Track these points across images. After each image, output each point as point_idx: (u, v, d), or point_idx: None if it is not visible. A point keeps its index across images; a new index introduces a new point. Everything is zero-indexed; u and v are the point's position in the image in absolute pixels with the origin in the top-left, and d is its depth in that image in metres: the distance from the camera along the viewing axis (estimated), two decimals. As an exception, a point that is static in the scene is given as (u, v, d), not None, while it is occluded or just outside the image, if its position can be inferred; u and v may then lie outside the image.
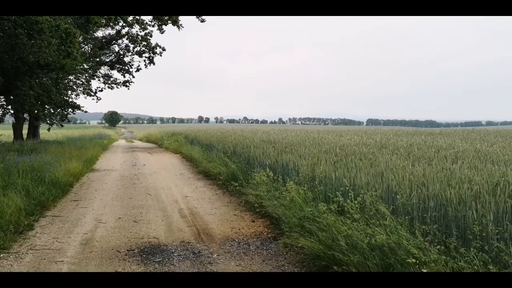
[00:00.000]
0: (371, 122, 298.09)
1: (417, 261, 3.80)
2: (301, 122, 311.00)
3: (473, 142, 12.19)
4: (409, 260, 3.81)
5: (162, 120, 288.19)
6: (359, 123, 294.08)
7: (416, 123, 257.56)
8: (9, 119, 26.21)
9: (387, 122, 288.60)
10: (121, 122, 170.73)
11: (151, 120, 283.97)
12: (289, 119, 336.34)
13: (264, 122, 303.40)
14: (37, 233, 6.65)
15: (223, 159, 12.93)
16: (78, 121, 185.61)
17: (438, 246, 3.99)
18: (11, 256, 5.52)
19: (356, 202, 5.51)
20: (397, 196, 5.37)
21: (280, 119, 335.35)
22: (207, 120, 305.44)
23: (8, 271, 5.05)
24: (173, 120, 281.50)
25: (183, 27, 21.36)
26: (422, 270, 3.66)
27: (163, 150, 26.01)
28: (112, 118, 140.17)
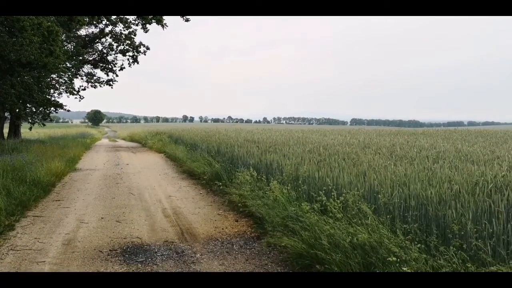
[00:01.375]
0: (355, 122, 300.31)
1: (398, 259, 3.85)
2: (286, 122, 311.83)
3: (455, 142, 12.39)
4: (390, 259, 3.86)
5: (146, 119, 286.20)
6: (343, 122, 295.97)
7: (399, 123, 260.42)
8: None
9: (371, 122, 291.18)
10: (104, 121, 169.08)
11: (135, 119, 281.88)
12: (274, 118, 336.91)
13: (248, 121, 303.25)
14: (18, 233, 6.56)
15: (207, 158, 12.91)
16: (61, 120, 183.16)
17: (419, 245, 4.06)
18: (-10, 257, 5.44)
19: (338, 201, 5.56)
20: (379, 196, 5.43)
21: (264, 119, 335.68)
22: (191, 119, 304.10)
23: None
24: (157, 119, 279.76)
25: (167, 26, 21.27)
26: (403, 268, 3.72)
27: (147, 149, 25.84)
28: (95, 117, 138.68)
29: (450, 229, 4.20)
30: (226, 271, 5.18)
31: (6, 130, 24.37)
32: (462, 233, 4.09)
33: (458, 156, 8.34)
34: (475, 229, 4.06)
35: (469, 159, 7.80)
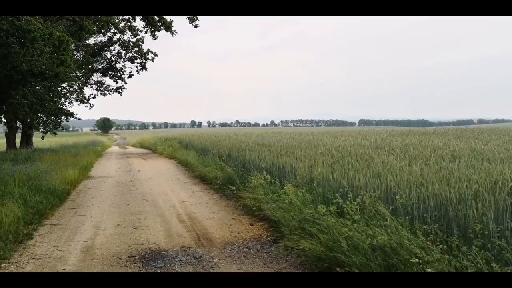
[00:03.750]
0: (363, 122, 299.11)
1: (420, 260, 3.84)
2: (294, 124, 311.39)
3: (468, 141, 12.30)
4: (412, 260, 3.85)
5: (154, 125, 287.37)
6: (352, 124, 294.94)
7: (408, 123, 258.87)
8: (1, 128, 26.04)
9: (379, 122, 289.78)
10: (114, 128, 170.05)
11: (144, 126, 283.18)
12: (281, 121, 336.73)
13: (256, 125, 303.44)
14: (37, 242, 6.62)
15: (219, 163, 12.93)
16: (71, 128, 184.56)
17: (441, 246, 4.03)
18: (12, 266, 5.49)
19: (355, 203, 5.55)
20: (397, 197, 5.41)
21: (272, 122, 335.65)
22: (199, 124, 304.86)
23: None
24: (166, 125, 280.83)
25: (176, 32, 21.36)
26: (426, 269, 3.69)
27: (157, 155, 25.95)
28: (105, 125, 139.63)
29: (471, 229, 4.17)
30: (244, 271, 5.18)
31: (18, 140, 24.62)
32: (486, 232, 4.06)
33: (473, 155, 8.28)
34: (497, 229, 4.04)
35: (485, 158, 7.74)
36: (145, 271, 5.15)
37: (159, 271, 5.13)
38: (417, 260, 3.84)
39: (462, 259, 3.77)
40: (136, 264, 5.54)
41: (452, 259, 3.81)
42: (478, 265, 3.62)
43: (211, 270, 5.32)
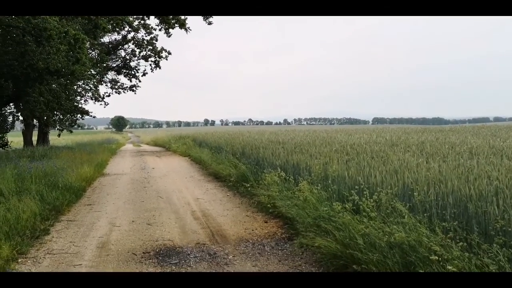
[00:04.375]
0: (377, 121, 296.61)
1: (440, 258, 3.76)
2: (307, 123, 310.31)
3: (485, 138, 12.10)
4: (431, 257, 3.77)
5: (168, 124, 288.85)
6: (365, 122, 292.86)
7: (423, 121, 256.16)
8: (18, 126, 26.41)
9: (393, 121, 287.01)
10: (128, 126, 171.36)
11: (157, 124, 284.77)
12: (295, 119, 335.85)
13: (269, 123, 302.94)
14: (53, 237, 6.68)
15: (233, 160, 12.92)
16: (86, 127, 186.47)
17: (460, 243, 3.95)
18: (29, 261, 5.55)
19: (371, 200, 5.48)
20: (414, 194, 5.33)
21: (285, 120, 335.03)
22: (212, 122, 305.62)
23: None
24: (179, 123, 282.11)
25: (190, 29, 21.39)
26: (447, 267, 3.62)
27: (171, 153, 26.06)
28: (119, 123, 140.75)
29: (492, 226, 4.09)
30: (257, 271, 5.15)
31: (34, 138, 24.94)
32: (509, 229, 3.96)
33: (492, 151, 8.13)
34: (520, 226, 3.95)
35: (505, 155, 7.60)
36: (145, 271, 5.13)
37: (158, 271, 5.09)
38: (436, 257, 3.77)
39: (483, 257, 3.69)
40: (151, 260, 5.55)
41: (472, 257, 3.73)
42: (500, 263, 3.54)
43: (226, 267, 5.30)
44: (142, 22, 25.12)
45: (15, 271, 5.10)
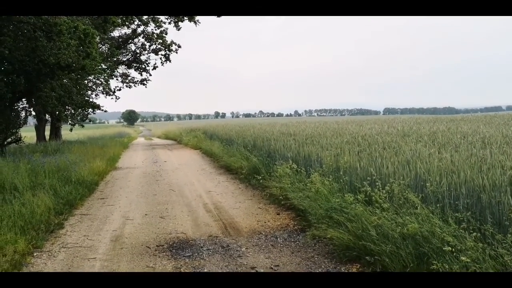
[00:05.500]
0: (388, 111, 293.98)
1: (453, 249, 3.74)
2: (317, 114, 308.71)
3: (498, 127, 11.94)
4: (445, 248, 3.75)
5: (179, 117, 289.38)
6: (376, 112, 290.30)
7: (434, 111, 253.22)
8: (31, 121, 26.66)
9: (405, 111, 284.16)
10: (139, 120, 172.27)
11: (168, 117, 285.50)
12: (305, 111, 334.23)
13: (280, 115, 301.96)
14: (68, 231, 6.76)
15: (244, 153, 12.93)
16: (98, 121, 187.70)
17: (474, 234, 3.92)
18: (44, 255, 5.62)
19: (384, 191, 5.45)
20: (427, 184, 5.29)
21: (296, 112, 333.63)
22: (223, 115, 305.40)
23: (40, 270, 5.14)
24: (190, 116, 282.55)
25: (200, 23, 21.37)
26: (461, 257, 3.60)
27: (183, 146, 26.16)
28: (130, 117, 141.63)
29: (506, 217, 4.05)
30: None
31: (47, 133, 25.18)
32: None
33: (505, 141, 8.02)
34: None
35: (518, 144, 7.50)
36: (145, 272, 5.14)
37: (157, 271, 5.09)
38: (449, 248, 3.75)
39: (497, 248, 3.66)
40: (164, 253, 5.60)
41: (486, 247, 3.71)
42: (515, 253, 3.51)
43: (239, 259, 5.33)
44: (151, 16, 25.11)
45: (21, 271, 5.08)
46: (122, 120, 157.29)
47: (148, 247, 5.88)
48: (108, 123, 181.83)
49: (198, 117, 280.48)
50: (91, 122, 37.22)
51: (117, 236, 6.44)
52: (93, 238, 6.35)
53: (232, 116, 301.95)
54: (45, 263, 5.36)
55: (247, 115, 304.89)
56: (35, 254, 5.63)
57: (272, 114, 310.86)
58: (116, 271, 5.04)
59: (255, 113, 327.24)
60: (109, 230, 6.77)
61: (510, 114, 22.62)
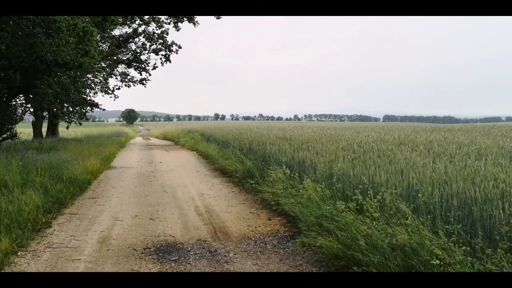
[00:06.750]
0: (387, 118, 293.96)
1: (442, 262, 3.66)
2: (317, 119, 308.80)
3: (495, 138, 11.87)
4: (433, 262, 3.67)
5: (178, 117, 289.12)
6: (376, 119, 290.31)
7: (434, 119, 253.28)
8: (29, 118, 26.60)
9: (404, 119, 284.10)
10: (138, 119, 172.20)
11: (168, 118, 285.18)
12: (305, 115, 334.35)
13: (279, 119, 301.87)
14: (55, 230, 6.67)
15: (239, 156, 12.85)
16: (97, 119, 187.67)
17: (463, 247, 3.84)
18: (28, 255, 5.53)
19: (375, 200, 5.37)
20: (419, 195, 5.21)
21: (295, 116, 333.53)
22: (223, 117, 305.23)
23: (23, 270, 5.05)
24: (190, 117, 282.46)
25: (198, 24, 21.35)
26: (448, 271, 3.52)
27: (180, 147, 26.07)
28: (130, 116, 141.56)
29: (497, 231, 3.97)
30: (258, 271, 5.09)
31: (44, 130, 25.10)
32: (513, 235, 3.85)
33: (500, 153, 7.96)
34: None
35: (514, 156, 7.43)
36: (143, 271, 5.08)
37: (156, 271, 5.03)
38: (438, 261, 3.67)
39: (487, 262, 3.58)
40: (151, 256, 5.51)
41: (475, 262, 3.63)
42: (504, 269, 3.43)
43: (225, 265, 5.24)
44: (151, 16, 25.09)
45: (14, 271, 5.04)
46: (121, 119, 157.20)
47: (135, 249, 5.79)
48: (107, 121, 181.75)
49: (197, 118, 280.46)
50: (90, 120, 37.18)
51: (105, 237, 6.35)
52: (80, 239, 6.25)
53: (232, 119, 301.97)
54: (28, 263, 5.26)
55: (247, 118, 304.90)
56: (19, 253, 5.54)
57: (272, 118, 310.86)
58: (102, 271, 4.96)
59: (255, 116, 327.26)
60: (97, 231, 6.67)
61: (508, 125, 22.58)
